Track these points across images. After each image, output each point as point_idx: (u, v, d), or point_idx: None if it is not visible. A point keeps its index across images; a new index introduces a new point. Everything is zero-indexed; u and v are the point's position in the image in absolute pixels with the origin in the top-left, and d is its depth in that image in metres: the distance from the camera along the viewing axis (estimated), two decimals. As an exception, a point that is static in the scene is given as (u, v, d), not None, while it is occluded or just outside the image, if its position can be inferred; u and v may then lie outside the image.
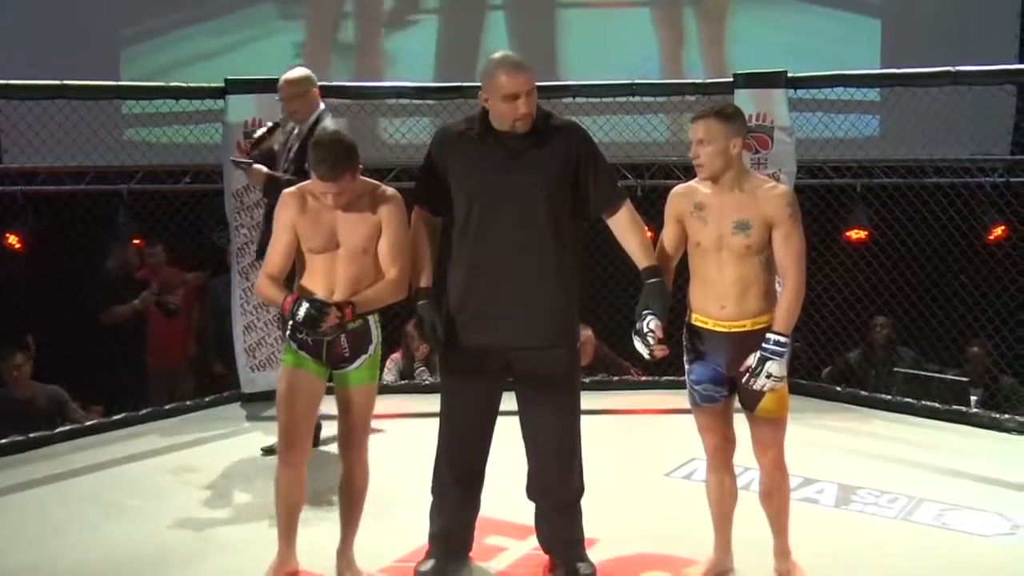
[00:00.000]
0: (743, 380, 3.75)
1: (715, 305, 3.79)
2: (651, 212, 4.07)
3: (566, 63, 8.85)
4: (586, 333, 6.88)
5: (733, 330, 3.79)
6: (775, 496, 3.95)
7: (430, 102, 7.47)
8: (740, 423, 3.95)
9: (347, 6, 9.64)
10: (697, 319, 3.86)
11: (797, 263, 3.77)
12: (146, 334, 7.81)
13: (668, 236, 3.92)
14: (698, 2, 9.52)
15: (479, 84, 3.85)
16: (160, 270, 7.92)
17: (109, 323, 7.63)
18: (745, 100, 6.63)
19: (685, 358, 3.93)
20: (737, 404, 3.91)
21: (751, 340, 3.77)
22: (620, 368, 7.31)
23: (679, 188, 3.94)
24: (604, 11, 9.39)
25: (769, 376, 3.71)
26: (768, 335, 3.74)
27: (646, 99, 7.30)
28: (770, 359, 3.71)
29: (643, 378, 7.08)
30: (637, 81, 7.07)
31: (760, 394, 3.80)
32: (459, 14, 9.43)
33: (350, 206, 3.81)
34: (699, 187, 3.86)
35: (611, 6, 9.43)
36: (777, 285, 3.88)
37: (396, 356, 7.28)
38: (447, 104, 7.11)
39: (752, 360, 3.72)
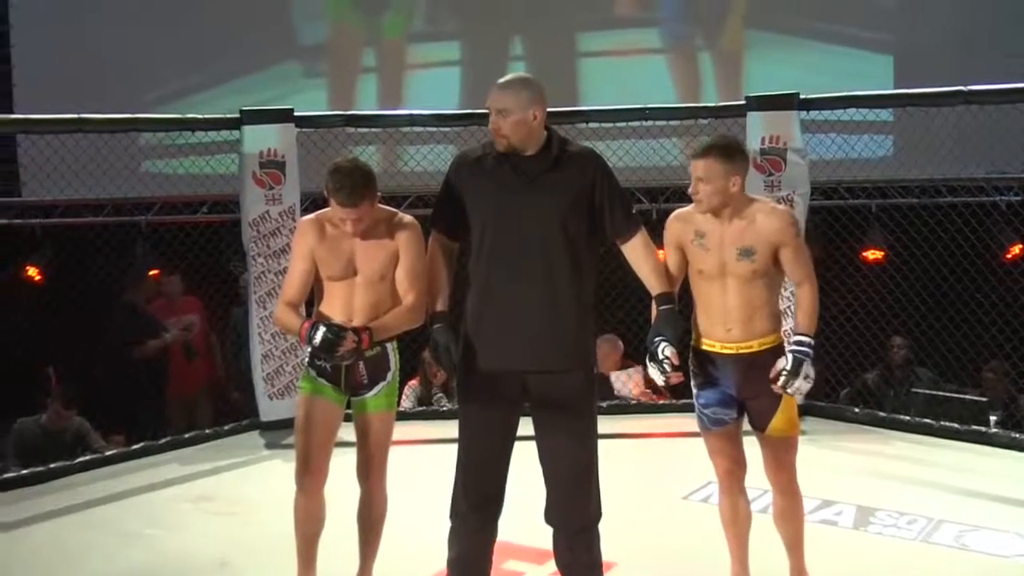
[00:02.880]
0: (779, 384, 3.77)
1: (721, 328, 3.82)
2: (666, 235, 4.09)
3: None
4: (618, 344, 6.98)
5: (741, 351, 3.81)
6: (789, 517, 3.95)
7: (444, 129, 7.52)
8: (752, 446, 3.95)
9: (368, 61, 9.72)
10: (705, 343, 3.88)
11: (810, 273, 3.88)
12: (168, 364, 7.85)
13: (670, 262, 3.95)
14: (712, 46, 9.57)
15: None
16: (176, 299, 7.96)
17: (142, 358, 7.62)
18: (758, 122, 6.66)
19: (692, 383, 3.94)
20: (747, 427, 3.92)
21: (759, 361, 3.81)
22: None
23: (678, 214, 3.97)
24: (623, 59, 9.49)
25: (806, 377, 3.76)
26: (795, 338, 3.82)
27: (659, 124, 7.31)
28: (804, 360, 3.77)
29: (660, 402, 7.09)
30: (650, 106, 7.08)
31: (770, 414, 3.82)
32: (481, 66, 9.49)
33: (368, 233, 3.85)
34: (697, 214, 3.90)
35: (629, 54, 9.51)
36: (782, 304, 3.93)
37: (413, 383, 7.29)
38: (460, 132, 7.17)
39: (786, 363, 3.77)
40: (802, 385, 3.77)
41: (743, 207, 3.83)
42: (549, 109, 3.88)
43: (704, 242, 3.83)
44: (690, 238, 3.86)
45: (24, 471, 5.77)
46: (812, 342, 3.82)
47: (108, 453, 6.30)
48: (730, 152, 3.80)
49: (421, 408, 7.16)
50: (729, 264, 3.79)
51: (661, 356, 3.76)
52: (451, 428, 4.15)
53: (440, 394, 7.25)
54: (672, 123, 7.36)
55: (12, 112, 8.46)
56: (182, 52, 9.34)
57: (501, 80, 3.89)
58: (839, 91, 6.93)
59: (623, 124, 7.26)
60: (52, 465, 5.87)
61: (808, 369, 3.77)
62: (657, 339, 3.80)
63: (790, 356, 3.78)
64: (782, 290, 3.93)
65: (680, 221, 3.93)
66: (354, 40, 9.76)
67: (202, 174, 7.75)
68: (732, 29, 9.62)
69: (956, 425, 6.38)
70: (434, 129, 7.58)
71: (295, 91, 9.41)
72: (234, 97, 9.12)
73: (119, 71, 9.12)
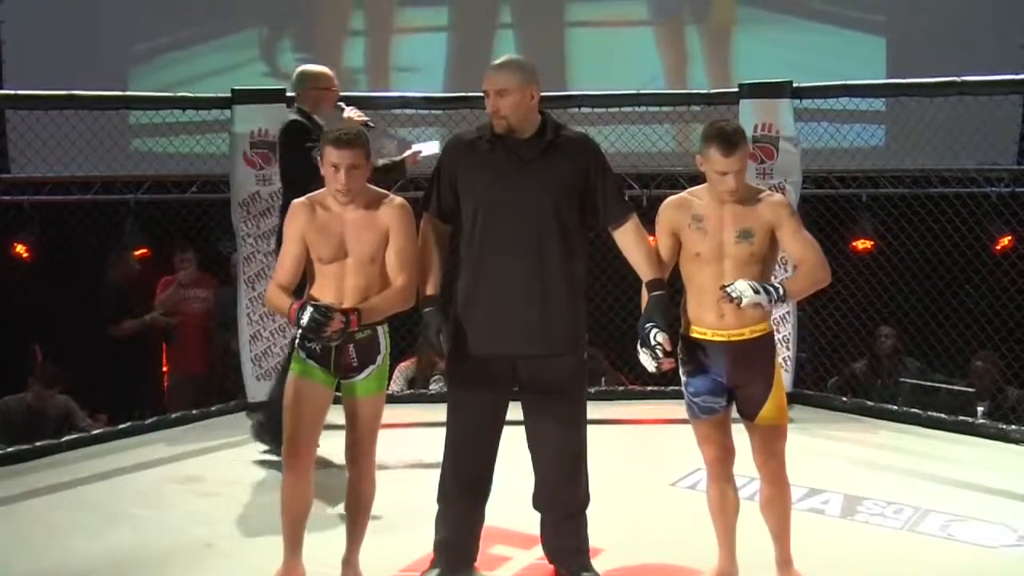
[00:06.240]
0: (721, 295, 3.67)
1: (713, 315, 3.80)
2: (656, 221, 4.08)
3: (575, 81, 8.88)
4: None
5: (732, 339, 3.80)
6: (776, 505, 3.95)
7: (436, 112, 7.50)
8: (740, 433, 3.95)
9: (356, 23, 9.65)
10: (696, 330, 3.86)
11: (815, 248, 3.82)
12: (166, 345, 7.82)
13: (662, 248, 3.93)
14: (701, 20, 9.53)
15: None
16: (191, 275, 7.90)
17: (119, 336, 7.62)
18: (750, 110, 6.65)
19: (682, 371, 3.93)
20: (736, 414, 3.92)
21: (750, 349, 3.80)
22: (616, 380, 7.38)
23: (672, 200, 3.94)
24: (612, 30, 9.43)
25: (756, 304, 3.64)
26: (777, 280, 3.77)
27: (652, 109, 7.30)
28: (764, 292, 3.65)
29: (649, 388, 7.08)
30: (643, 92, 7.07)
31: (761, 403, 3.82)
32: (469, 32, 9.45)
33: (358, 215, 3.84)
34: (693, 199, 3.88)
35: (618, 25, 9.45)
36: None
37: (403, 365, 7.27)
38: (452, 114, 7.14)
39: (749, 285, 3.65)
40: (745, 294, 3.62)
41: (743, 191, 3.82)
42: (542, 93, 3.89)
43: (702, 225, 3.81)
44: (687, 222, 3.84)
45: (9, 449, 5.75)
46: (782, 295, 3.69)
47: (95, 432, 6.27)
48: (743, 134, 3.79)
49: (410, 391, 7.14)
50: (727, 246, 3.78)
51: (653, 342, 3.74)
52: (439, 412, 4.15)
53: (437, 376, 7.20)
54: (664, 109, 7.33)
55: (1, 87, 8.41)
56: (171, 16, 9.31)
57: (496, 62, 3.91)
58: (829, 70, 6.95)
59: (615, 109, 7.25)
60: (38, 443, 5.84)
61: (760, 299, 3.63)
62: (648, 325, 3.79)
63: (758, 284, 3.66)
64: (772, 276, 3.90)
65: (675, 208, 3.90)
66: (342, 2, 9.71)
67: (192, 153, 7.71)
68: (723, 3, 9.59)
69: (943, 415, 6.39)
70: (426, 112, 7.56)
71: (280, 52, 9.44)
72: (218, 56, 9.21)
73: (110, 44, 9.10)
